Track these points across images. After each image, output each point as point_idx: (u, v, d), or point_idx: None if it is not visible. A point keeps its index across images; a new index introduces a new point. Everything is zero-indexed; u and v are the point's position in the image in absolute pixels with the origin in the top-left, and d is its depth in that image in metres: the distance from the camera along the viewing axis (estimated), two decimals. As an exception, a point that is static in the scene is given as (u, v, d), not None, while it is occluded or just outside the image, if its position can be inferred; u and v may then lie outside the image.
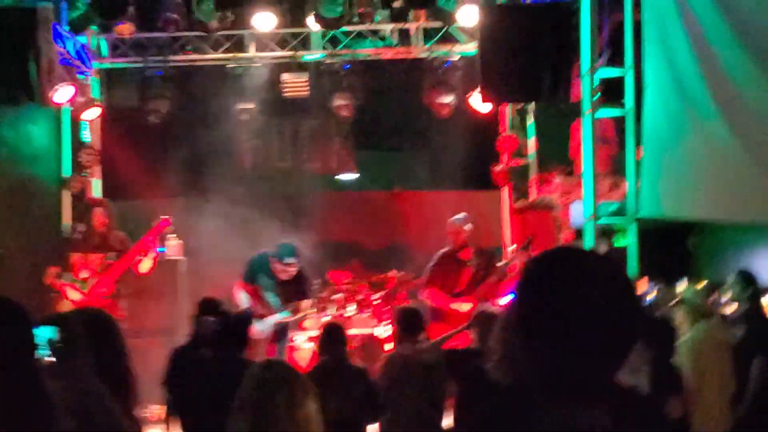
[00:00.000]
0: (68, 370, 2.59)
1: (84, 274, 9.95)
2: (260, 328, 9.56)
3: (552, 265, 2.03)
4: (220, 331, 7.09)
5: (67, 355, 2.62)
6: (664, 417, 2.27)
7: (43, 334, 2.54)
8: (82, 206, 10.87)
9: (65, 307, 9.55)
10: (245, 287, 10.10)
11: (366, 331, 11.87)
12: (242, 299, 9.96)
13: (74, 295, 9.81)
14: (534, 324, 1.98)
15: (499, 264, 10.17)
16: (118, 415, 2.65)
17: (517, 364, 2.02)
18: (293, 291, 10.05)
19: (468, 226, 10.01)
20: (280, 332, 10.10)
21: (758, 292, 8.66)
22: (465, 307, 9.68)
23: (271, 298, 10.00)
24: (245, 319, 7.37)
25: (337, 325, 7.83)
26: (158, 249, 10.69)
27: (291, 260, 9.85)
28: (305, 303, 10.21)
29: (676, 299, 8.76)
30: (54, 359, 2.60)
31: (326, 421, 3.76)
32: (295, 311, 10.05)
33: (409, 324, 7.67)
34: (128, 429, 2.68)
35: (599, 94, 9.68)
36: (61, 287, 9.80)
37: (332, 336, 7.40)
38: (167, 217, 10.40)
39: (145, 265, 10.10)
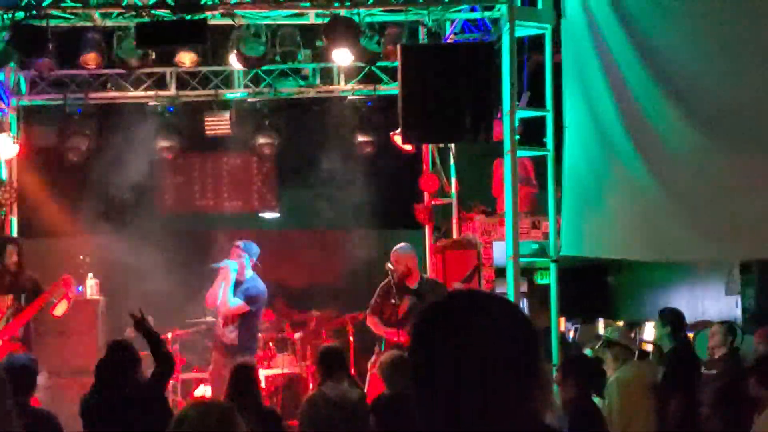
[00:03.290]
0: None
1: None
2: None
3: (439, 312, 2.02)
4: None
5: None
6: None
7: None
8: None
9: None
10: None
11: (288, 370, 11.80)
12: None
13: None
14: (426, 373, 1.97)
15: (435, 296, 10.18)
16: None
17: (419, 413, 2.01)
18: None
19: (389, 264, 9.99)
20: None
21: (681, 331, 8.78)
22: (400, 338, 9.73)
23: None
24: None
25: (247, 365, 7.69)
26: (77, 289, 10.54)
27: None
28: None
29: (602, 339, 8.85)
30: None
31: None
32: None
33: (331, 363, 7.62)
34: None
35: (519, 135, 9.79)
36: None
37: (242, 377, 7.30)
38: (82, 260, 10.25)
39: (60, 308, 9.92)
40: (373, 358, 9.95)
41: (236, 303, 10.00)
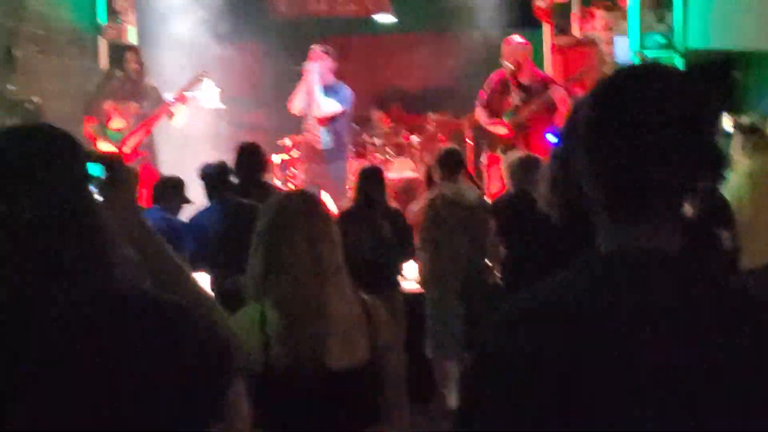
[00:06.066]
0: (115, 207, 2.51)
1: (117, 124, 9.89)
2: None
3: (629, 78, 1.87)
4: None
5: (112, 194, 2.53)
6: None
7: (91, 170, 2.44)
8: (114, 53, 10.72)
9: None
10: None
11: (406, 174, 11.84)
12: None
13: (106, 147, 9.78)
14: (604, 134, 1.84)
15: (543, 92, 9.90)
16: (170, 249, 2.58)
17: (571, 185, 1.91)
18: None
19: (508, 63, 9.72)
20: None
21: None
22: (501, 129, 9.68)
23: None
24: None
25: (373, 167, 7.80)
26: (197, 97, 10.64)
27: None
28: None
29: (733, 126, 8.54)
30: (100, 196, 2.51)
31: (354, 260, 3.62)
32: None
33: (449, 164, 7.62)
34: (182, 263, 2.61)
35: None
36: (95, 139, 9.77)
37: (368, 177, 7.39)
38: (205, 72, 10.26)
39: (179, 118, 10.01)
40: (484, 158, 9.91)
41: (330, 104, 9.81)
